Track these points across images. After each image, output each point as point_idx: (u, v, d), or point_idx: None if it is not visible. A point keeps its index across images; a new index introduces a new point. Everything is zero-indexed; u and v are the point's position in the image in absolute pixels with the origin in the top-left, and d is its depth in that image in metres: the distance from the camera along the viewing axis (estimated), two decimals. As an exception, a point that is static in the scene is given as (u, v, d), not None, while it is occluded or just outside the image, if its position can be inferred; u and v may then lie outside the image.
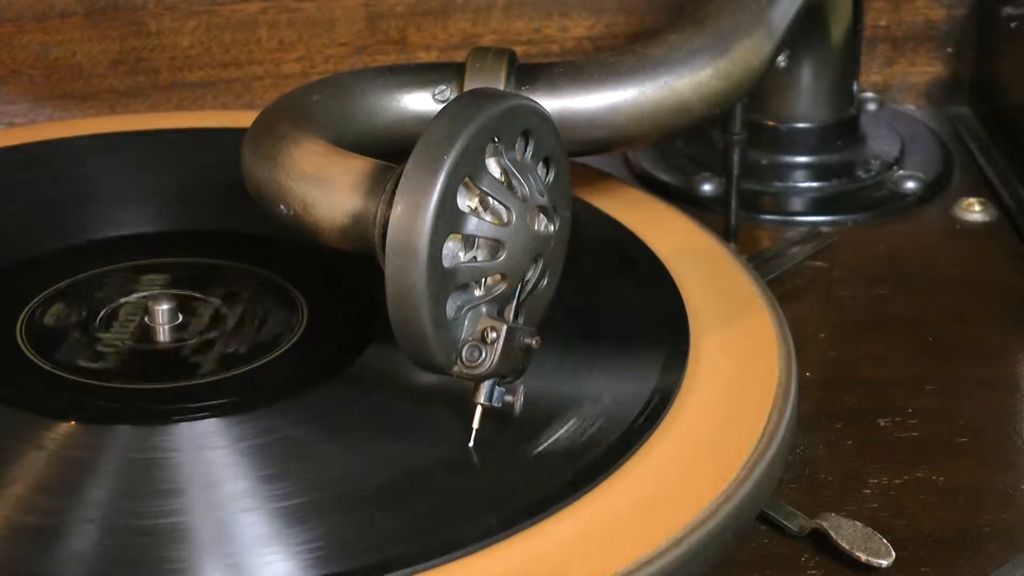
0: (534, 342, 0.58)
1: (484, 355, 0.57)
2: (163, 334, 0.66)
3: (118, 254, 0.72)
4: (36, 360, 0.65)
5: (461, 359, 0.57)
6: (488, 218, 0.57)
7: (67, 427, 0.60)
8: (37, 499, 0.57)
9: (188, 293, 0.69)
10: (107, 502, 0.56)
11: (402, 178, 0.55)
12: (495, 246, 0.57)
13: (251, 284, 0.70)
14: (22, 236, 0.74)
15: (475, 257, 0.57)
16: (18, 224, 0.75)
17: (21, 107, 0.90)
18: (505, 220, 0.57)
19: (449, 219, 0.55)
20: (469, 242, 0.57)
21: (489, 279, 0.57)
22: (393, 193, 0.55)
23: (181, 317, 0.67)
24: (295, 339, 0.66)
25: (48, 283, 0.70)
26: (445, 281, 0.56)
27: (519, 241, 0.57)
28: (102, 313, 0.68)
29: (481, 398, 0.58)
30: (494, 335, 0.57)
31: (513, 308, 0.58)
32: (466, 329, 0.57)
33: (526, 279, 0.58)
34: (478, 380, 0.58)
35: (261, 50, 0.91)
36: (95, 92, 0.91)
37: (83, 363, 0.65)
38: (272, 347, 0.66)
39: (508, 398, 0.58)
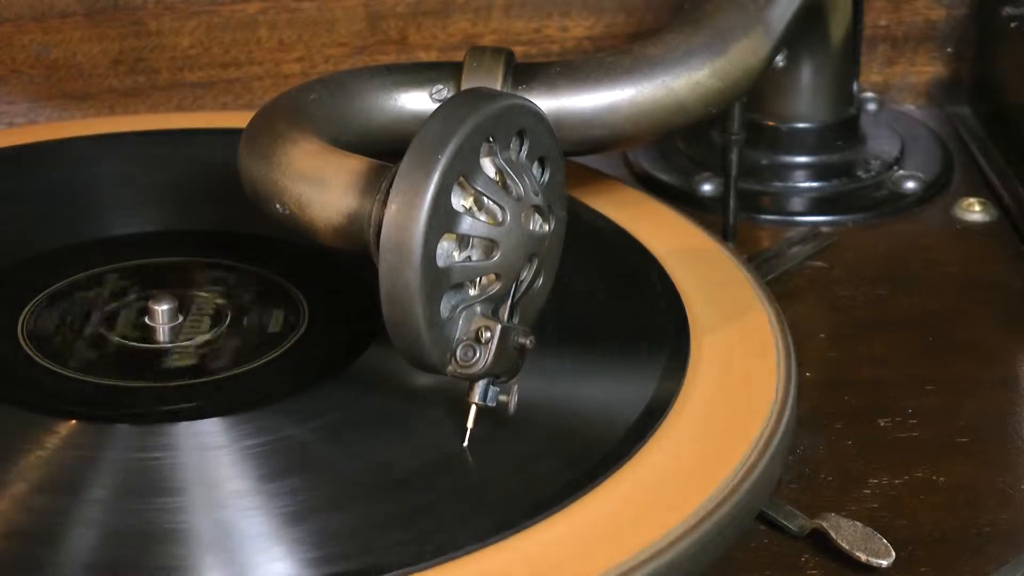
0: (528, 342, 0.58)
1: (478, 354, 0.57)
2: (163, 334, 0.66)
3: (117, 254, 0.72)
4: (37, 359, 0.65)
5: (455, 358, 0.57)
6: (482, 217, 0.57)
7: (67, 427, 0.60)
8: (38, 498, 0.57)
9: (188, 293, 0.69)
10: (107, 502, 0.56)
11: (396, 177, 0.55)
12: (489, 245, 0.57)
13: (251, 284, 0.70)
14: (22, 236, 0.74)
15: (469, 256, 0.57)
16: (18, 224, 0.75)
17: (21, 107, 0.91)
18: (499, 220, 0.57)
19: (443, 218, 0.55)
20: (463, 241, 0.57)
21: (483, 278, 0.57)
22: (388, 192, 0.56)
23: (181, 317, 0.67)
24: (295, 339, 0.66)
25: (48, 283, 0.70)
26: (439, 280, 0.56)
27: (513, 240, 0.57)
28: (102, 313, 0.68)
29: (475, 398, 0.58)
30: (488, 334, 0.57)
31: (508, 308, 0.58)
32: (460, 328, 0.57)
33: (521, 279, 0.58)
34: (472, 379, 0.58)
35: (261, 50, 0.92)
36: (95, 92, 0.91)
37: (83, 362, 0.65)
38: (273, 347, 0.66)
39: (502, 398, 0.58)
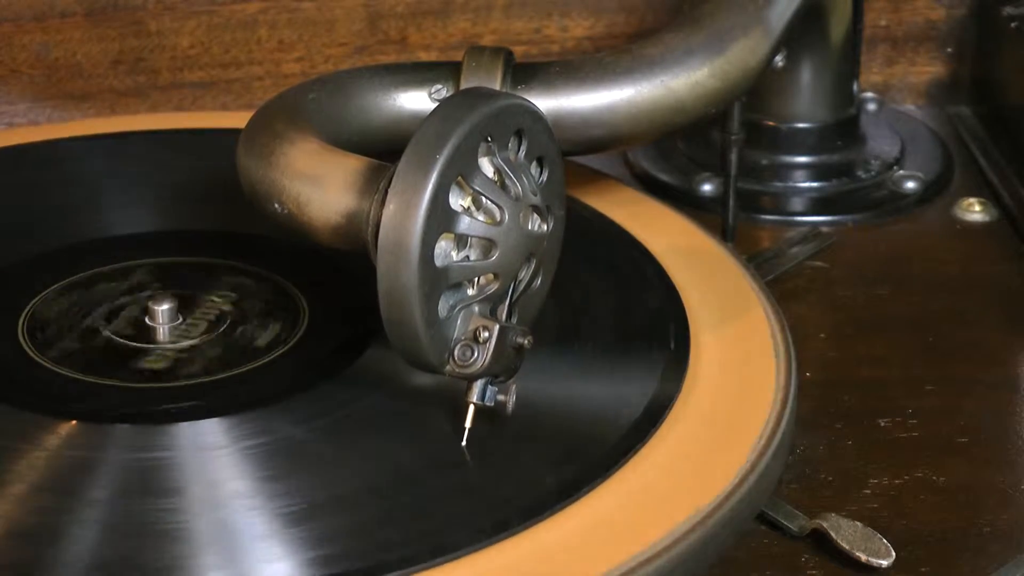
0: (526, 341, 0.58)
1: (476, 354, 0.57)
2: (163, 334, 0.66)
3: (117, 254, 0.72)
4: (37, 359, 0.65)
5: (453, 358, 0.57)
6: (481, 217, 0.57)
7: (68, 427, 0.60)
8: (38, 499, 0.57)
9: (188, 293, 0.69)
10: (107, 502, 0.56)
11: (394, 177, 0.55)
12: (487, 245, 0.57)
13: (251, 284, 0.70)
14: (22, 236, 0.74)
15: (467, 256, 0.57)
16: (18, 224, 0.75)
17: (21, 107, 0.91)
18: (498, 219, 0.57)
19: (441, 218, 0.55)
20: (462, 241, 0.57)
21: (482, 278, 0.57)
22: (386, 192, 0.56)
23: (181, 317, 0.67)
24: (295, 339, 0.66)
25: (48, 283, 0.70)
26: (437, 280, 0.56)
27: (511, 240, 0.57)
28: (102, 313, 0.68)
29: (474, 397, 0.58)
30: (486, 334, 0.57)
31: (506, 307, 0.58)
32: (458, 328, 0.57)
33: (519, 278, 0.59)
34: (470, 379, 0.58)
35: (261, 50, 0.92)
36: (95, 92, 0.91)
37: (84, 362, 0.65)
38: (272, 347, 0.66)
39: (500, 397, 0.58)
